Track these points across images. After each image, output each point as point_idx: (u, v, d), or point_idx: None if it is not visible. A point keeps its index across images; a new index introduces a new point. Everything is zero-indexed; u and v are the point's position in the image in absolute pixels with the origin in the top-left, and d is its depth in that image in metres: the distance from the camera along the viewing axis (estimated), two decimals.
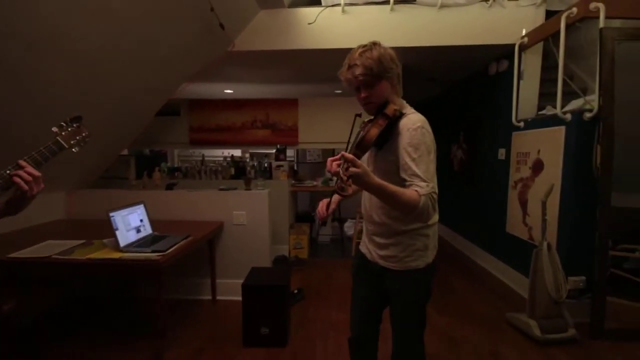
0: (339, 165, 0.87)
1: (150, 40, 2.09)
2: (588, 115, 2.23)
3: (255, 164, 3.97)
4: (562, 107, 2.39)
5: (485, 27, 2.94)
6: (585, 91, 2.66)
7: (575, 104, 2.48)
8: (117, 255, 1.69)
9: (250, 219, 2.61)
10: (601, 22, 2.11)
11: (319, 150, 5.97)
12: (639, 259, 2.41)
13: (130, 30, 1.90)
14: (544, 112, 2.74)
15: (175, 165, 5.43)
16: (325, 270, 3.43)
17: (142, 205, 2.02)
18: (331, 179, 4.22)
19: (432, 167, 1.03)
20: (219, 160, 4.32)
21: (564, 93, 2.39)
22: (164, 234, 2.03)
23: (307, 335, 2.18)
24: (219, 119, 4.27)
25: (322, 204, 1.22)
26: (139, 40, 2.01)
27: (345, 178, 0.83)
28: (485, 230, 3.59)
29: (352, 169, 0.84)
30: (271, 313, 2.02)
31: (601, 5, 2.11)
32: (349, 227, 4.71)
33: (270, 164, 3.92)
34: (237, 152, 5.65)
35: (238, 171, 3.86)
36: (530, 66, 2.95)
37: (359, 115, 1.15)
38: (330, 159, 0.93)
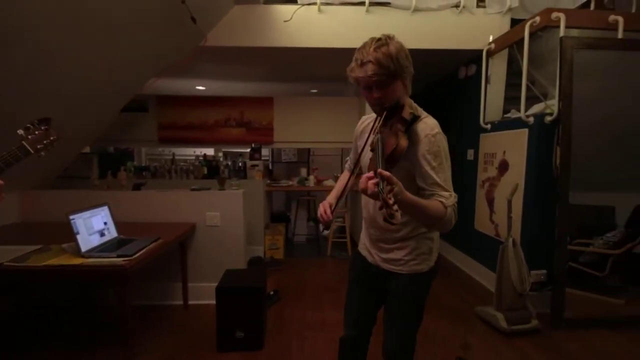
0: (376, 185, 0.75)
1: (116, 29, 1.96)
2: (549, 118, 2.37)
3: (229, 163, 3.87)
4: (525, 110, 2.54)
5: (455, 32, 3.05)
6: (545, 96, 2.84)
7: (537, 108, 2.64)
8: (78, 261, 1.57)
9: (224, 220, 2.54)
10: (561, 31, 2.26)
11: (295, 149, 5.94)
12: (593, 252, 2.61)
13: (94, 16, 1.77)
14: (509, 115, 2.90)
15: (143, 165, 5.19)
16: (301, 270, 3.42)
17: (106, 207, 1.89)
18: (307, 179, 4.20)
19: (450, 174, 1.00)
20: (190, 160, 4.17)
21: (526, 97, 2.54)
22: (131, 237, 1.92)
23: (284, 337, 2.16)
24: (190, 117, 4.11)
25: (323, 207, 1.12)
26: (103, 28, 1.88)
27: (391, 202, 0.71)
28: (455, 227, 3.72)
29: (395, 190, 0.75)
30: (247, 316, 1.97)
31: (562, 15, 2.25)
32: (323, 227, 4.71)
33: (244, 164, 3.83)
34: (209, 151, 5.49)
35: (211, 171, 3.74)
36: (497, 71, 3.10)
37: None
38: (365, 176, 0.78)
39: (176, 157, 4.13)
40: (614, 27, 2.30)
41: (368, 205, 1.17)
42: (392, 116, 0.98)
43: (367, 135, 1.11)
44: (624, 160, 2.54)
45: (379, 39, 0.97)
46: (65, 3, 1.57)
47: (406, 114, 0.96)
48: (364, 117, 1.27)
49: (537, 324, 2.20)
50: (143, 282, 2.51)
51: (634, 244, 2.45)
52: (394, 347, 1.17)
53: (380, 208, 0.73)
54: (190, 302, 2.54)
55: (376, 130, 0.96)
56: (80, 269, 1.53)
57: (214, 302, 1.95)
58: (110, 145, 4.93)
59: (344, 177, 1.36)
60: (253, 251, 3.54)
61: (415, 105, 1.03)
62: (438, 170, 0.97)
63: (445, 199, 0.94)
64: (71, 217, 1.63)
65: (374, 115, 1.16)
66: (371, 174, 0.78)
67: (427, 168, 0.97)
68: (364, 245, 1.25)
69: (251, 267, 3.13)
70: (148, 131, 4.20)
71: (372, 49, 0.95)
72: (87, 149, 4.55)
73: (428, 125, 1.00)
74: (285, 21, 2.91)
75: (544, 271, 2.44)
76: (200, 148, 5.16)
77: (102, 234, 1.81)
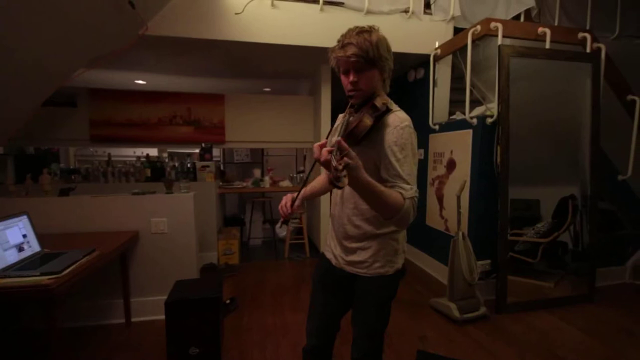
0: (330, 153, 0.76)
1: (39, 6, 1.67)
2: (489, 120, 2.57)
3: (177, 164, 3.57)
4: (469, 112, 2.72)
5: (405, 36, 3.17)
6: (484, 99, 3.08)
7: (478, 110, 2.85)
8: None
9: (172, 226, 2.32)
10: (499, 40, 2.46)
11: (248, 150, 5.72)
12: (526, 242, 2.89)
13: None
14: (454, 116, 3.09)
15: (72, 167, 4.59)
16: (258, 274, 3.28)
17: (24, 217, 1.59)
18: (262, 180, 4.06)
19: (415, 169, 1.00)
20: (130, 161, 3.76)
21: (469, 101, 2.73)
22: (59, 250, 1.65)
23: (243, 348, 2.03)
24: (129, 113, 3.70)
25: (285, 200, 1.11)
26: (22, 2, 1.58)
27: (340, 167, 0.73)
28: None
29: (347, 160, 0.75)
30: (201, 330, 1.81)
31: (500, 25, 2.45)
32: (280, 229, 4.61)
33: (194, 165, 3.57)
34: (152, 152, 5.03)
35: (155, 172, 3.42)
36: (442, 75, 3.29)
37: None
38: (317, 144, 0.79)
39: (113, 158, 3.70)
40: (542, 38, 2.56)
41: (336, 200, 1.15)
42: (365, 105, 0.99)
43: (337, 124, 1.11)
44: (547, 156, 2.85)
45: (363, 27, 1.00)
46: None
47: (378, 103, 0.97)
48: (340, 115, 1.23)
49: (485, 310, 2.36)
50: (78, 301, 2.19)
51: (559, 233, 2.77)
52: (362, 350, 1.14)
53: (330, 173, 0.74)
54: (133, 319, 2.28)
55: (346, 116, 1.02)
56: None
57: (162, 317, 1.77)
58: (30, 145, 4.27)
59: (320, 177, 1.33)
60: (206, 258, 3.32)
61: (390, 100, 1.05)
62: (403, 162, 0.97)
63: (405, 191, 0.94)
64: None
65: (346, 112, 1.13)
66: (324, 142, 0.79)
67: (392, 159, 0.97)
68: (329, 248, 1.22)
69: (204, 275, 2.92)
70: (77, 129, 3.70)
71: (354, 33, 0.98)
72: (0, 150, 3.89)
73: (398, 117, 1.01)
74: (236, 13, 2.76)
75: (489, 261, 2.64)
76: (141, 148, 4.71)
77: (20, 249, 1.52)
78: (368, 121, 0.94)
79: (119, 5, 2.02)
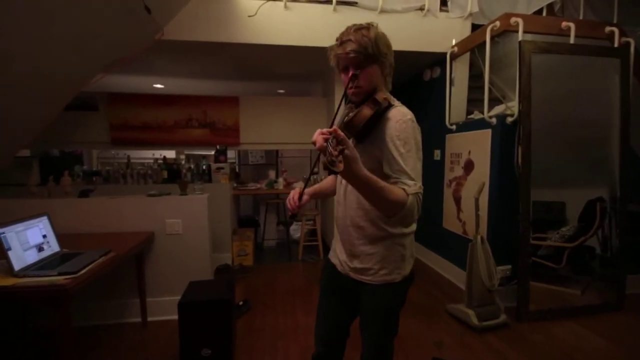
0: (326, 140, 0.73)
1: (54, 15, 1.72)
2: (510, 119, 2.47)
3: (192, 166, 3.63)
4: (488, 112, 2.62)
5: (420, 35, 3.10)
6: (504, 98, 2.97)
7: (497, 110, 2.74)
8: (10, 281, 1.34)
9: (187, 227, 2.35)
10: (520, 36, 2.36)
11: (262, 151, 5.76)
12: (550, 246, 2.75)
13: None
14: (472, 116, 2.99)
15: (94, 169, 4.75)
16: (271, 276, 3.28)
17: (45, 218, 1.64)
18: (275, 182, 4.07)
19: (420, 165, 0.95)
20: (148, 163, 3.85)
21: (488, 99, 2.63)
22: (77, 250, 1.69)
23: (254, 350, 2.03)
24: (146, 116, 3.79)
25: (293, 193, 1.06)
26: (38, 13, 1.64)
27: (335, 152, 0.70)
28: (424, 226, 3.79)
29: (342, 147, 0.72)
30: (214, 331, 1.81)
31: (520, 20, 2.35)
32: (295, 230, 4.61)
33: (209, 166, 3.62)
34: (170, 154, 5.14)
35: (172, 174, 3.48)
36: (460, 74, 3.20)
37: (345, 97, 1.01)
38: (318, 131, 0.76)
39: (132, 161, 3.79)
40: (566, 32, 2.44)
41: (339, 201, 1.12)
42: (366, 100, 0.97)
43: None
44: (572, 157, 2.71)
45: (362, 24, 0.99)
46: None
47: (379, 97, 0.95)
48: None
49: (506, 318, 2.26)
50: (95, 301, 2.25)
51: (586, 237, 2.62)
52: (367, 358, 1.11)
53: (325, 158, 0.72)
54: (149, 319, 2.32)
55: (347, 110, 1.01)
56: (13, 290, 1.30)
57: (176, 317, 1.78)
58: (55, 148, 4.44)
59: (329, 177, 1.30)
60: (220, 259, 3.34)
61: (392, 97, 1.02)
62: (406, 157, 0.92)
63: (408, 186, 0.88)
64: (0, 230, 1.38)
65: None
66: (324, 130, 0.75)
67: (395, 153, 0.92)
68: (334, 253, 1.19)
69: (218, 276, 2.95)
70: (99, 132, 3.82)
71: (353, 30, 0.97)
72: (26, 153, 4.07)
73: (400, 111, 0.97)
74: (249, 16, 2.78)
75: (509, 266, 2.53)
76: (159, 150, 4.82)
77: (40, 249, 1.56)
78: (367, 111, 0.92)
79: (134, 11, 2.06)
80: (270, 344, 2.09)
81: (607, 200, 2.62)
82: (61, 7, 1.71)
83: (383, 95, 0.96)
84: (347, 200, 1.07)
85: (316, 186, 1.28)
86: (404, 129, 0.93)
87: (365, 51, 0.95)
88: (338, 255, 1.15)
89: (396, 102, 1.01)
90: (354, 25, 0.99)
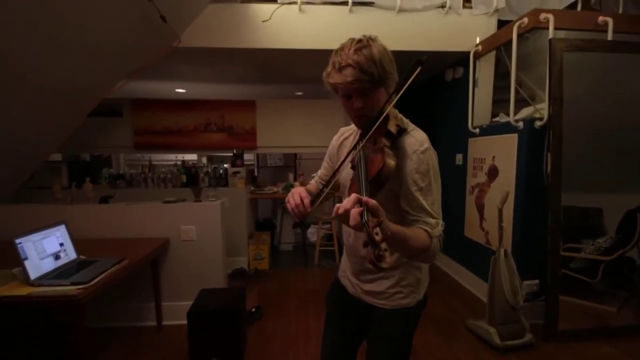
0: (360, 215, 0.62)
1: (75, 27, 1.78)
2: (538, 123, 2.30)
3: (210, 170, 3.68)
4: (514, 114, 2.45)
5: (441, 34, 2.96)
6: (533, 99, 2.77)
7: (525, 112, 2.56)
8: (25, 290, 1.38)
9: (201, 234, 2.37)
10: (550, 33, 2.18)
11: (281, 154, 5.78)
12: (584, 258, 2.54)
13: (51, 12, 1.59)
14: (497, 119, 2.82)
15: (121, 172, 4.94)
16: (286, 281, 3.27)
17: (62, 227, 1.70)
18: (292, 185, 4.05)
19: (439, 196, 0.88)
20: (169, 166, 3.96)
21: (515, 100, 2.46)
22: (94, 258, 1.74)
23: (265, 358, 2.01)
24: (167, 121, 3.90)
25: (300, 195, 0.87)
26: (61, 27, 1.70)
27: (379, 239, 0.58)
28: (445, 234, 3.64)
29: (381, 222, 0.62)
30: (223, 340, 1.81)
31: (550, 16, 2.17)
32: (312, 234, 4.58)
33: (226, 170, 3.66)
34: (192, 156, 5.26)
35: (190, 178, 3.55)
36: (484, 74, 3.02)
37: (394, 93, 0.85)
38: (346, 201, 0.64)
39: (157, 163, 3.92)
40: (602, 28, 2.24)
41: (348, 230, 1.02)
42: (375, 129, 0.83)
43: (346, 150, 0.97)
44: (610, 161, 2.49)
45: (360, 40, 0.84)
46: (24, 6, 1.41)
47: (392, 126, 0.84)
48: (343, 129, 1.13)
49: (531, 337, 2.11)
50: (112, 303, 2.32)
51: (625, 250, 2.40)
52: None
53: (365, 245, 0.60)
54: (164, 323, 2.36)
55: (358, 146, 0.84)
56: (27, 300, 1.35)
57: None
58: (84, 152, 4.67)
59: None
60: (236, 262, 3.37)
61: (401, 116, 0.91)
62: (426, 192, 0.84)
63: (432, 227, 0.82)
64: (17, 240, 1.44)
65: (354, 127, 1.03)
66: (350, 202, 0.64)
67: (414, 189, 0.84)
68: (344, 273, 1.11)
69: (232, 281, 2.97)
70: (123, 137, 3.98)
71: (351, 51, 0.82)
72: (58, 157, 4.30)
73: (417, 140, 0.87)
74: (263, 21, 2.76)
75: (537, 281, 2.36)
76: (182, 154, 4.95)
77: (57, 257, 1.62)
78: (392, 161, 0.78)
79: (151, 20, 2.09)
80: (281, 352, 2.07)
81: None
82: (89, 22, 1.78)
83: (395, 121, 0.85)
84: (357, 234, 0.98)
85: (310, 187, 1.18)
86: (422, 160, 0.84)
87: (369, 77, 0.81)
88: (349, 277, 1.08)
89: (409, 125, 0.92)
90: (352, 42, 0.84)
